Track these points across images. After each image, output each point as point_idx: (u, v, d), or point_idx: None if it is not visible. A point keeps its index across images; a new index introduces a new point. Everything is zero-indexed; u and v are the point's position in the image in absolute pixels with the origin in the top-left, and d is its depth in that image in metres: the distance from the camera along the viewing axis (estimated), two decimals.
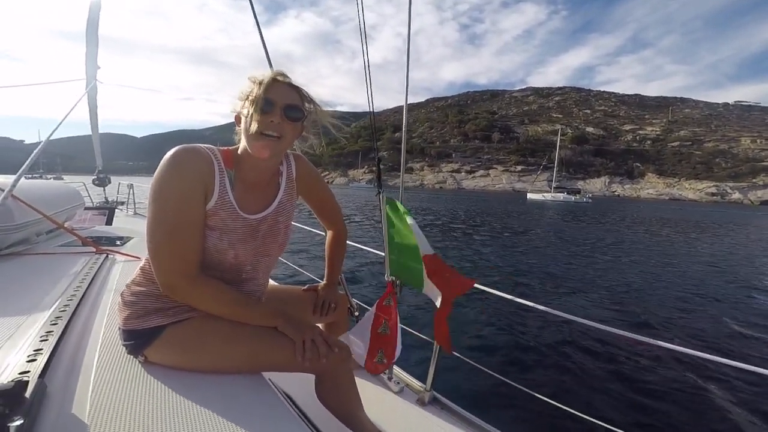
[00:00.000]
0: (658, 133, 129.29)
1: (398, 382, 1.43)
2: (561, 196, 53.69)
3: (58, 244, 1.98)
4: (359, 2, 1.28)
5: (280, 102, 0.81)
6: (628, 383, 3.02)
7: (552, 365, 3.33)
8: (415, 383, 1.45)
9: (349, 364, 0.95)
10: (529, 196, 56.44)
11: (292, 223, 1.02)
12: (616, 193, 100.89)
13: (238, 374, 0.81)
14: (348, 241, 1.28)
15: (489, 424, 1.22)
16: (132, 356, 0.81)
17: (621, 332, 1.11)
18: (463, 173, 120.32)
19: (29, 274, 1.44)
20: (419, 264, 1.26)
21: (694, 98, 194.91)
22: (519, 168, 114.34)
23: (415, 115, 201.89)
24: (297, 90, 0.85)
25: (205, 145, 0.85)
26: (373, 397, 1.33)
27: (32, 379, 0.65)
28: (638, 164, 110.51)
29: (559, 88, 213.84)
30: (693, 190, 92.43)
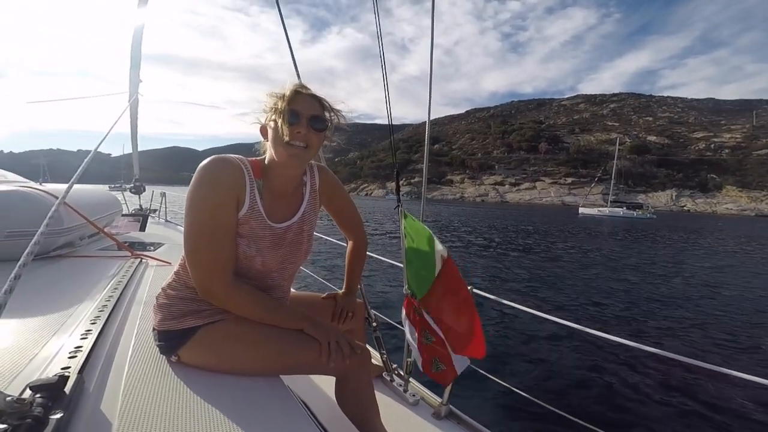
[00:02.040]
0: (738, 140, 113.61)
1: (414, 395, 1.42)
2: (620, 210, 47.98)
3: (98, 248, 2.12)
4: (377, 22, 1.35)
5: (306, 113, 0.84)
6: (656, 404, 2.89)
7: (573, 382, 3.21)
8: (432, 396, 1.44)
9: (369, 369, 0.99)
10: (582, 210, 51.00)
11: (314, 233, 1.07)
12: (685, 208, 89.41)
13: (260, 379, 0.84)
14: (368, 252, 1.31)
15: None
16: (164, 356, 0.85)
17: (652, 349, 1.11)
18: (507, 185, 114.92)
19: (72, 275, 1.55)
20: (432, 275, 1.29)
21: None
22: (569, 180, 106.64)
23: (455, 127, 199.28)
24: (319, 100, 0.88)
25: (236, 155, 0.88)
26: (389, 408, 1.34)
27: (72, 375, 0.68)
28: (714, 175, 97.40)
29: (615, 95, 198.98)
30: None
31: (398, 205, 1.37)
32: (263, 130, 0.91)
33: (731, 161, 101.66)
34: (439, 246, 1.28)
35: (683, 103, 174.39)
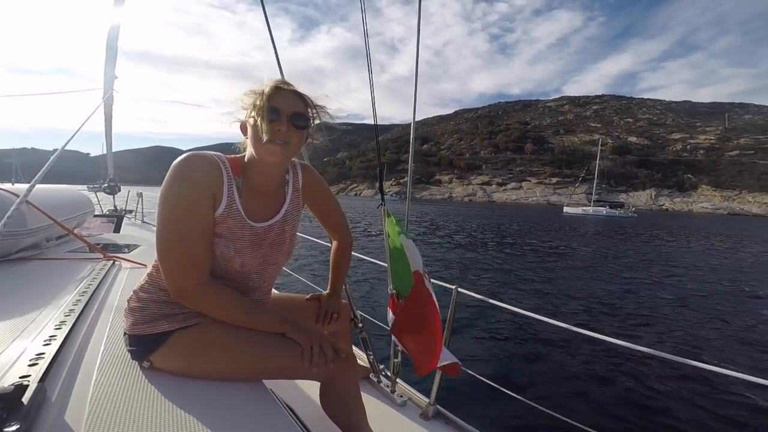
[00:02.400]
0: (712, 141, 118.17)
1: (401, 395, 1.42)
2: (603, 210, 49.23)
3: (67, 250, 2.00)
4: (364, 22, 1.31)
5: (287, 110, 0.82)
6: (636, 398, 2.93)
7: (559, 379, 3.22)
8: (419, 397, 1.44)
9: (355, 372, 0.96)
10: (566, 209, 52.14)
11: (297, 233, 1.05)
12: (664, 207, 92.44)
13: (240, 383, 0.81)
14: (353, 252, 1.29)
15: None
16: (136, 362, 0.82)
17: (626, 344, 1.12)
18: (494, 185, 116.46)
19: (37, 279, 1.47)
20: (410, 276, 1.29)
21: (755, 103, 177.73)
22: (554, 180, 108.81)
23: (444, 127, 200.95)
24: (301, 97, 0.86)
25: (214, 152, 0.86)
26: (376, 410, 1.32)
27: (32, 384, 0.64)
28: (690, 175, 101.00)
29: (597, 97, 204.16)
30: (758, 203, 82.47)
31: (381, 204, 1.36)
32: (243, 128, 0.88)
33: (706, 162, 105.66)
34: (415, 257, 1.24)
35: (661, 105, 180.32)
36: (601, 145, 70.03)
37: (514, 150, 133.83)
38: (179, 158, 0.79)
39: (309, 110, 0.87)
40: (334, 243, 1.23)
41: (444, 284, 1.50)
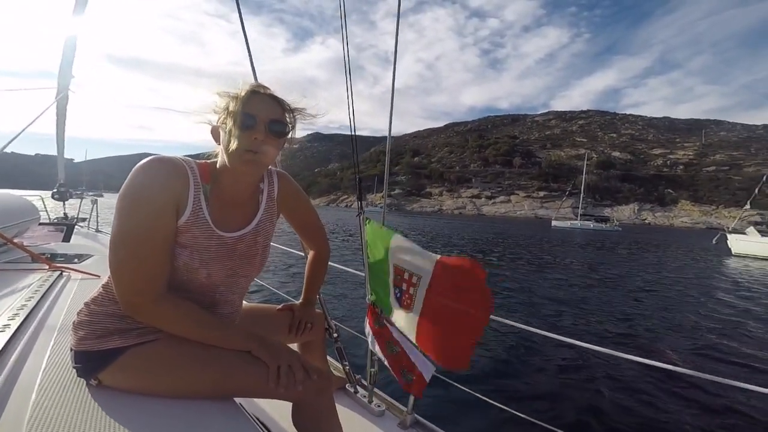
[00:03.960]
0: (690, 157, 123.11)
1: (379, 405, 1.40)
2: (591, 223, 50.33)
3: (5, 260, 1.81)
4: (344, 36, 1.30)
5: (264, 117, 0.76)
6: (613, 400, 2.99)
7: (538, 385, 3.25)
8: (397, 405, 1.42)
9: (329, 393, 0.90)
10: (555, 223, 52.81)
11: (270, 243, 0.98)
12: (646, 221, 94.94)
13: (203, 399, 0.76)
14: (330, 262, 1.26)
15: None
16: (83, 379, 0.75)
17: (605, 350, 1.13)
18: (483, 198, 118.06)
19: None
20: (387, 288, 1.26)
21: (729, 120, 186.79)
22: (541, 194, 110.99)
23: (434, 140, 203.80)
24: (279, 101, 0.80)
25: (182, 156, 0.81)
26: (354, 420, 1.31)
27: None
28: (670, 190, 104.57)
29: (583, 112, 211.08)
30: (733, 218, 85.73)
31: (360, 213, 1.34)
32: (215, 133, 0.82)
33: (685, 177, 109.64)
34: (424, 253, 1.17)
35: (643, 121, 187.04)
36: (587, 160, 72.28)
37: (502, 163, 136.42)
38: (142, 161, 0.73)
39: (286, 115, 0.82)
40: (311, 253, 1.19)
41: None
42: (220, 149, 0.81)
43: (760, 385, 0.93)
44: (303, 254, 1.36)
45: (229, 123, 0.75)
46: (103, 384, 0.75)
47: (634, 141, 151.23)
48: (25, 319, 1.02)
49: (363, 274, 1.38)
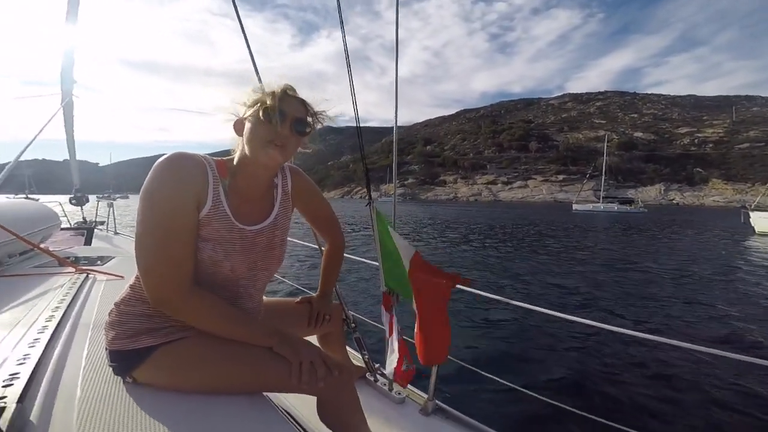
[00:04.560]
0: (720, 134, 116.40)
1: (399, 393, 1.41)
2: (614, 206, 48.19)
3: (33, 266, 1.88)
4: (342, 31, 1.32)
5: (291, 115, 0.81)
6: (637, 385, 2.95)
7: (557, 368, 3.23)
8: (417, 393, 1.44)
9: (351, 385, 0.92)
10: (576, 206, 51.07)
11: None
12: (674, 201, 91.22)
13: (232, 395, 0.79)
14: (345, 254, 1.29)
15: (494, 430, 1.21)
16: (120, 377, 0.79)
17: (627, 331, 1.12)
18: (499, 184, 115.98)
19: (2, 296, 1.37)
20: (406, 273, 1.29)
21: (762, 95, 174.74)
22: (560, 177, 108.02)
23: (447, 128, 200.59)
24: (304, 104, 0.86)
25: (199, 153, 0.83)
26: (375, 409, 1.32)
27: (9, 405, 0.62)
28: (700, 169, 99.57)
29: (601, 93, 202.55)
30: None
31: (369, 203, 1.36)
32: (239, 126, 0.85)
33: (715, 155, 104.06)
34: (405, 246, 1.29)
35: (666, 100, 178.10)
36: (607, 141, 69.22)
37: (518, 149, 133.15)
38: (161, 158, 0.76)
39: (309, 117, 0.86)
40: (327, 245, 1.20)
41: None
42: (240, 142, 0.84)
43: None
44: (317, 247, 1.40)
45: (259, 116, 0.79)
46: (138, 381, 0.77)
47: (657, 121, 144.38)
48: (60, 321, 1.07)
49: (377, 264, 1.40)
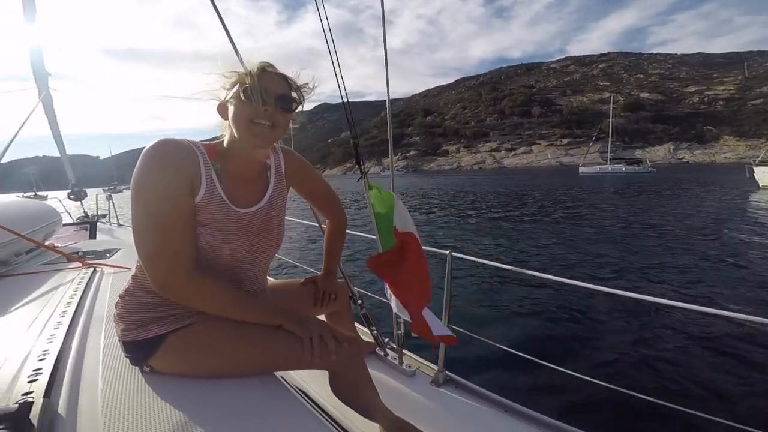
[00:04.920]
0: (732, 91, 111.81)
1: (409, 366, 1.42)
2: (622, 167, 47.15)
3: (41, 263, 1.92)
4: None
5: (273, 91, 0.79)
6: (644, 349, 2.93)
7: (565, 336, 3.21)
8: (428, 365, 1.46)
9: (361, 357, 0.94)
10: (582, 169, 50.07)
11: (285, 217, 1.03)
12: (684, 160, 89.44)
13: (247, 376, 0.80)
14: (347, 230, 1.30)
15: (506, 399, 1.24)
16: (137, 366, 0.80)
17: (630, 294, 1.12)
18: (503, 151, 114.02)
19: (15, 295, 1.38)
20: (391, 240, 1.31)
21: None
22: (565, 141, 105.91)
23: (446, 97, 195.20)
24: (286, 79, 0.83)
25: (187, 139, 0.82)
26: (387, 383, 1.34)
27: (37, 400, 0.63)
28: (710, 127, 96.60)
29: (604, 55, 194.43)
30: None
31: (361, 177, 1.34)
32: (222, 109, 0.83)
33: (726, 112, 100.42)
34: (403, 218, 1.31)
35: (673, 59, 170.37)
36: (613, 103, 66.77)
37: (520, 114, 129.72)
38: (150, 144, 0.74)
39: (293, 92, 0.83)
40: (328, 223, 1.19)
41: (436, 250, 1.48)
42: (227, 126, 0.83)
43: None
44: (317, 225, 1.39)
45: (241, 97, 0.76)
46: (156, 370, 0.78)
47: (664, 80, 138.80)
48: (73, 315, 1.09)
49: (375, 237, 1.41)
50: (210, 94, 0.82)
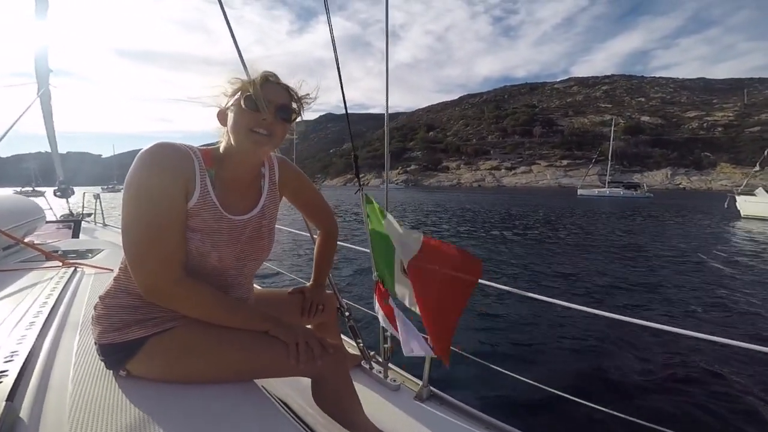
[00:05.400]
0: (731, 118, 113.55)
1: (394, 380, 1.42)
2: (620, 191, 47.51)
3: (19, 260, 1.84)
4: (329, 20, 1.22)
5: (274, 101, 0.80)
6: (628, 370, 2.98)
7: (549, 354, 3.27)
8: (412, 380, 1.45)
9: (345, 366, 0.94)
10: (581, 191, 50.51)
11: (276, 225, 1.02)
12: (680, 186, 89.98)
13: (228, 383, 0.78)
14: (339, 242, 1.28)
15: (488, 415, 1.23)
16: (112, 371, 0.78)
17: (614, 316, 1.13)
18: (503, 170, 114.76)
19: None
20: (391, 267, 1.28)
21: None
22: (565, 162, 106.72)
23: (449, 113, 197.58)
24: (287, 89, 0.84)
25: (184, 143, 0.82)
26: (370, 396, 1.34)
27: None
28: (708, 153, 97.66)
29: (607, 77, 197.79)
30: None
31: (359, 190, 1.34)
32: (222, 116, 0.84)
33: (724, 139, 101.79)
34: (409, 233, 1.23)
35: (675, 84, 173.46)
36: (614, 126, 67.73)
37: (522, 134, 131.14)
38: (146, 147, 0.74)
39: (293, 103, 0.85)
40: (320, 234, 1.19)
41: None
42: (225, 132, 0.84)
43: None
44: (309, 235, 1.40)
45: (241, 105, 0.77)
46: (132, 374, 0.76)
47: (665, 104, 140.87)
48: (48, 316, 1.05)
49: (368, 251, 1.41)
50: (212, 99, 0.83)
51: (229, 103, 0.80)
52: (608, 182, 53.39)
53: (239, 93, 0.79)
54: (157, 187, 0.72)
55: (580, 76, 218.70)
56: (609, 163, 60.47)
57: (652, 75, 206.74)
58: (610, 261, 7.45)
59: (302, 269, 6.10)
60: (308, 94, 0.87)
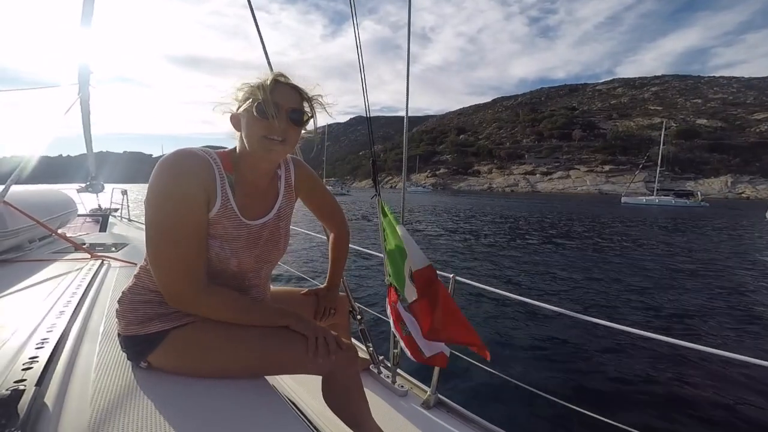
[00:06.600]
0: None
1: (402, 386, 1.44)
2: (671, 199, 43.30)
3: (52, 251, 1.96)
4: (355, 24, 1.29)
5: (285, 105, 0.79)
6: (638, 384, 2.95)
7: (560, 365, 3.24)
8: (420, 386, 1.47)
9: (356, 365, 0.95)
10: (625, 199, 46.74)
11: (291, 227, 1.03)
12: (744, 195, 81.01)
13: (241, 379, 0.80)
14: (353, 245, 1.30)
15: (495, 426, 1.22)
16: (133, 363, 0.81)
17: (629, 329, 1.12)
18: (538, 175, 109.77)
19: (23, 281, 1.42)
20: (402, 272, 1.27)
21: None
22: (606, 168, 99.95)
23: (482, 116, 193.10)
24: (298, 91, 0.83)
25: (203, 148, 0.82)
26: (378, 401, 1.35)
27: (29, 388, 0.63)
28: None
29: (657, 77, 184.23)
30: None
31: (375, 195, 1.36)
32: (235, 120, 0.83)
33: None
34: (415, 255, 1.21)
35: (739, 83, 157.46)
36: (665, 129, 62.14)
37: (559, 137, 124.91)
38: (167, 155, 0.75)
39: (305, 104, 0.84)
40: (332, 236, 1.21)
41: (441, 273, 1.48)
42: (239, 136, 0.84)
43: None
44: (325, 237, 1.42)
45: (255, 112, 0.77)
46: (153, 366, 0.79)
47: (726, 106, 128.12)
48: (76, 306, 1.10)
49: (382, 256, 1.42)
50: (225, 107, 0.83)
51: (241, 109, 0.80)
52: (657, 189, 48.93)
53: (250, 99, 0.78)
54: (179, 195, 0.73)
55: (626, 77, 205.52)
56: (657, 169, 55.45)
57: (711, 74, 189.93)
58: (684, 282, 6.66)
59: (315, 269, 6.08)
60: (319, 95, 0.86)
